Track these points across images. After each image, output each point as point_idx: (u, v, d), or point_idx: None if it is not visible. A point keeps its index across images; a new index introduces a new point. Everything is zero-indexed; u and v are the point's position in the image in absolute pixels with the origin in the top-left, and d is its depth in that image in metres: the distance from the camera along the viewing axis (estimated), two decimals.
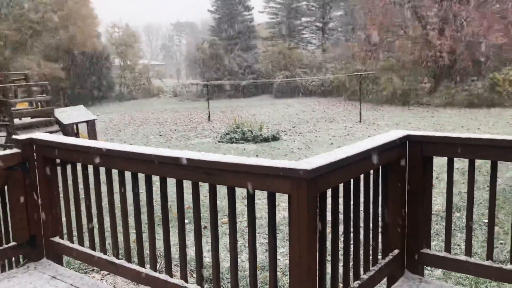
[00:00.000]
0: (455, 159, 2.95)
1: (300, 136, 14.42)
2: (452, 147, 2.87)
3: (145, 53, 74.35)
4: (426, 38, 24.05)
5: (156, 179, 2.78)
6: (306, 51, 39.01)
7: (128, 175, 2.89)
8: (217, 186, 2.52)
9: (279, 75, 33.53)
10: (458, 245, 5.30)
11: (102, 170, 3.04)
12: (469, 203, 2.93)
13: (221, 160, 2.38)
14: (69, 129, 11.87)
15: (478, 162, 2.89)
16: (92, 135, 12.29)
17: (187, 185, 2.61)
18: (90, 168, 3.14)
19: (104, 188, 3.04)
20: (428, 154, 2.95)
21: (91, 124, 12.32)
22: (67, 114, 12.04)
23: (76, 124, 12.40)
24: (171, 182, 2.69)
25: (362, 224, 2.73)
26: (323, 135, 14.37)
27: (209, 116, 20.39)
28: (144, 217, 2.87)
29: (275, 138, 13.57)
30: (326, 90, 31.26)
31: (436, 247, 5.25)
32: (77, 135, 12.52)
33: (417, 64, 24.82)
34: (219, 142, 13.45)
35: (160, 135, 15.93)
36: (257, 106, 27.54)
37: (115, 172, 2.96)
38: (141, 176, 2.84)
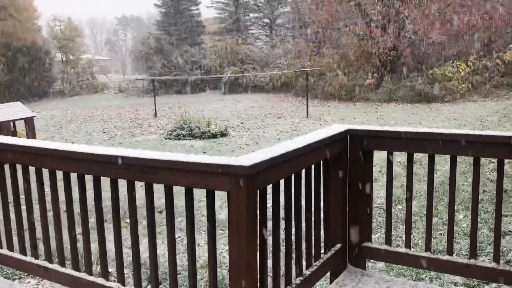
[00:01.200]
0: (398, 152, 2.99)
1: (248, 132, 14.40)
2: (391, 141, 2.91)
3: (89, 47, 72.04)
4: (370, 35, 24.67)
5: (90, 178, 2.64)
6: (254, 47, 39.03)
7: (60, 174, 2.73)
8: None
9: (228, 71, 33.40)
10: (400, 237, 5.44)
11: (32, 169, 2.86)
12: (408, 196, 2.98)
13: (157, 157, 2.28)
14: (5, 127, 11.27)
15: (419, 155, 2.95)
16: (31, 133, 11.73)
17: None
18: (19, 168, 2.94)
19: (34, 189, 2.86)
20: (368, 148, 2.97)
21: (29, 122, 11.75)
22: (2, 111, 11.42)
23: (13, 121, 11.79)
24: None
25: (304, 219, 2.72)
26: (271, 130, 14.43)
27: (155, 112, 19.99)
28: (78, 219, 2.72)
29: (223, 134, 13.48)
30: (274, 86, 31.45)
31: (380, 239, 5.37)
32: (14, 133, 11.92)
33: (362, 60, 25.44)
34: (165, 139, 13.21)
35: (103, 132, 15.45)
36: (205, 102, 27.32)
37: (46, 171, 2.78)
38: (74, 176, 2.68)
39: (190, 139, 12.82)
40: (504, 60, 23.05)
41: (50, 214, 2.87)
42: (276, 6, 45.30)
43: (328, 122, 15.97)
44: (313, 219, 2.80)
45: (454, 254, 3.47)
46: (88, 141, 13.60)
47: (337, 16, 25.77)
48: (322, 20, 25.73)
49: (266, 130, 14.64)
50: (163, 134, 14.05)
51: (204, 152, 10.95)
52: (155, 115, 19.82)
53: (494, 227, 2.75)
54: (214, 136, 13.16)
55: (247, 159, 2.09)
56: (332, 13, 25.43)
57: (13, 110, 11.52)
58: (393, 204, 6.43)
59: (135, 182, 2.46)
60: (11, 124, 11.68)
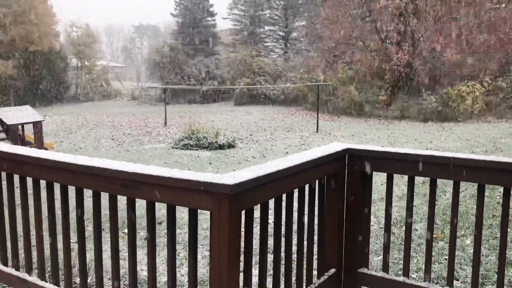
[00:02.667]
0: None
1: (256, 144, 14.27)
2: (391, 163, 2.76)
3: (105, 54, 72.81)
4: (385, 51, 24.51)
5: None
6: (268, 59, 39.08)
7: (43, 184, 2.63)
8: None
9: (240, 82, 33.44)
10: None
11: (17, 177, 2.76)
12: (407, 223, 2.82)
13: (139, 171, 2.16)
14: (13, 130, 11.29)
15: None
16: (38, 137, 11.73)
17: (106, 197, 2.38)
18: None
19: (18, 197, 2.76)
20: (368, 169, 2.82)
21: (37, 126, 11.74)
22: (11, 114, 11.43)
23: (22, 125, 11.81)
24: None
25: (295, 242, 2.57)
26: (279, 144, 14.28)
27: (165, 121, 19.98)
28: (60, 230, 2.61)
29: (230, 146, 13.35)
30: (286, 99, 31.40)
31: (382, 262, 5.18)
32: (22, 136, 11.93)
33: (375, 77, 25.25)
34: (172, 148, 13.11)
35: (112, 139, 15.41)
36: (216, 112, 27.30)
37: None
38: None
39: (197, 150, 12.71)
40: None
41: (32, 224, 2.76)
42: (291, 20, 45.41)
43: (338, 137, 15.78)
44: (305, 242, 2.65)
45: (460, 282, 3.30)
46: (95, 147, 13.58)
47: (352, 31, 25.68)
48: (336, 35, 25.64)
49: (274, 143, 14.50)
50: (171, 143, 13.97)
51: (210, 163, 10.84)
52: (165, 123, 19.81)
53: (498, 258, 2.57)
54: (221, 147, 13.04)
55: (232, 177, 1.97)
56: (346, 29, 25.35)
57: (22, 114, 11.54)
58: (398, 226, 6.25)
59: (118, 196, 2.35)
60: (19, 127, 11.69)
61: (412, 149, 2.79)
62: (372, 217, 6.34)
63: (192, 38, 43.53)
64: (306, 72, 30.01)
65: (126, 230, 3.01)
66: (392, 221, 6.50)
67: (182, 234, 5.48)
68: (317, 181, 2.67)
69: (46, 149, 12.61)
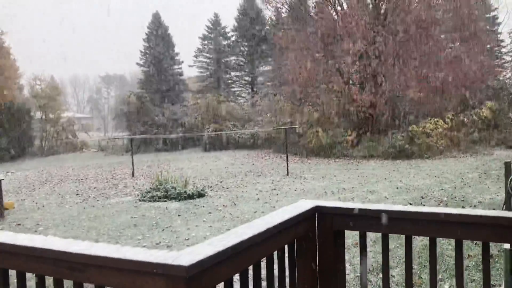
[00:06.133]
0: None
1: (227, 191, 14.00)
2: (363, 220, 2.59)
3: (71, 105, 72.15)
4: (349, 93, 24.99)
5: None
6: (236, 104, 39.41)
7: None
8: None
9: (209, 128, 33.40)
10: None
11: None
12: (384, 282, 2.64)
13: (84, 252, 1.92)
14: None
15: None
16: None
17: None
18: None
19: None
20: (339, 228, 2.65)
21: None
22: None
23: None
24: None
25: None
26: (250, 190, 14.06)
27: (133, 172, 19.53)
28: None
29: (200, 195, 13.05)
30: (255, 143, 31.47)
31: None
32: None
33: (341, 118, 25.63)
34: (140, 200, 12.71)
35: (77, 194, 14.87)
36: (185, 159, 27.00)
37: None
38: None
39: (165, 201, 12.36)
40: (481, 116, 23.45)
41: None
42: (257, 65, 46.20)
43: (308, 180, 15.69)
44: None
45: None
46: (59, 204, 13.03)
47: (316, 74, 26.19)
48: (301, 79, 26.09)
49: (245, 189, 14.27)
50: (138, 195, 13.56)
51: (179, 215, 10.49)
52: (133, 174, 19.36)
53: None
54: (190, 197, 12.72)
55: (188, 255, 1.75)
56: (311, 72, 25.84)
57: None
58: (374, 273, 6.04)
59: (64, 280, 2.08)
60: None
61: (384, 205, 2.64)
62: (347, 265, 6.14)
63: (159, 86, 43.65)
64: (273, 116, 30.25)
65: None
66: (367, 268, 6.33)
67: None
68: (286, 246, 2.47)
69: (6, 209, 12.00)
